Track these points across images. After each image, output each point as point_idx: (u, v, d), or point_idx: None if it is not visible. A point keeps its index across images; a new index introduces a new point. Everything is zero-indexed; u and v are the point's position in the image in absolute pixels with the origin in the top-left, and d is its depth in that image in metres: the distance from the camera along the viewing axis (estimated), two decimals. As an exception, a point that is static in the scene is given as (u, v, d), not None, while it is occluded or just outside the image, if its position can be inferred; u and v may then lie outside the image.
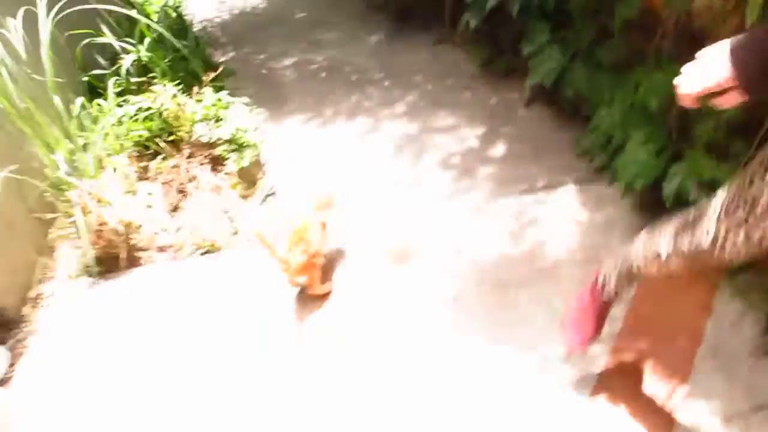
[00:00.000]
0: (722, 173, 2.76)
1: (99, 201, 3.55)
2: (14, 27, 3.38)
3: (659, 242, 2.03)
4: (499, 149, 4.02)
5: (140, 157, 4.38)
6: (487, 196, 3.65)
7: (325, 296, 3.19)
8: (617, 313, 2.84)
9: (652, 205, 3.14)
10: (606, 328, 2.71)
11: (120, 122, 4.28)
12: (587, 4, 3.50)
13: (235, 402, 2.79)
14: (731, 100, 1.52)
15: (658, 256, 2.04)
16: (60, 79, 3.63)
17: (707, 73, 1.50)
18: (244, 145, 4.29)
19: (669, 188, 2.86)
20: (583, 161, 3.73)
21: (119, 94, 4.46)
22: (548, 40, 3.94)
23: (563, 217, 3.40)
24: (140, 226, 3.77)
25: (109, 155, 4.05)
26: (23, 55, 3.39)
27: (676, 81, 1.61)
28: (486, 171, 3.84)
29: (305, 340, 3.01)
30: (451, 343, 2.86)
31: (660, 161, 2.94)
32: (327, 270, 3.28)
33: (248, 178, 4.22)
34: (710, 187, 2.80)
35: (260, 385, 2.83)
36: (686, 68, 1.58)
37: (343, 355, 2.89)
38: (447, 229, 3.46)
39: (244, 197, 4.09)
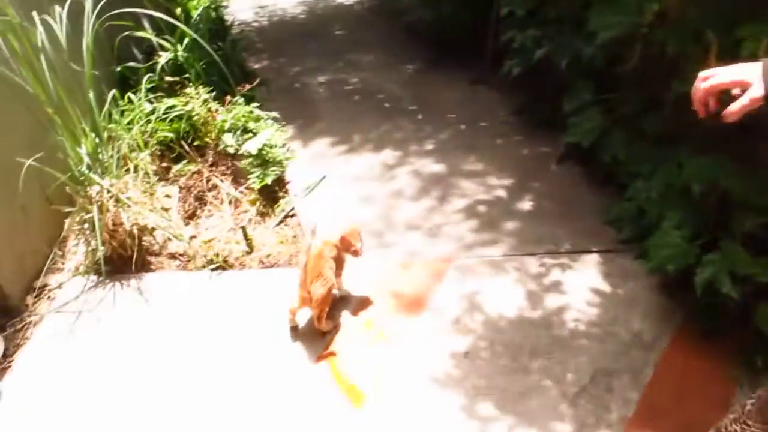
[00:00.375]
0: (759, 268, 2.68)
1: (117, 201, 3.47)
2: (59, 15, 3.32)
3: None
4: (525, 204, 3.95)
5: (162, 158, 4.33)
6: (509, 251, 3.57)
7: (326, 333, 3.12)
8: (631, 396, 2.76)
9: (679, 287, 3.07)
10: (615, 414, 2.64)
11: (148, 119, 4.22)
12: (638, 71, 3.42)
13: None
14: (744, 109, 1.56)
15: None
16: (96, 72, 3.57)
17: (739, 81, 1.58)
18: (270, 161, 4.24)
19: (701, 277, 2.77)
20: (610, 230, 3.65)
21: (150, 90, 4.41)
22: (591, 100, 3.87)
23: (585, 286, 3.32)
24: (154, 229, 3.70)
25: (132, 151, 3.98)
26: (63, 43, 3.33)
27: (701, 73, 1.68)
28: (510, 225, 3.77)
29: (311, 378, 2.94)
30: (455, 400, 2.78)
31: (693, 248, 2.86)
32: (332, 308, 3.20)
33: (269, 195, 4.15)
34: (745, 282, 2.72)
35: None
36: (718, 69, 1.64)
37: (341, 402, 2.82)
38: (464, 281, 3.38)
39: (263, 215, 4.02)
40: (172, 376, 2.98)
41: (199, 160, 4.27)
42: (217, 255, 3.62)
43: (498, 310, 3.20)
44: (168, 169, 4.30)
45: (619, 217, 3.59)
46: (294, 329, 3.15)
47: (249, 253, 3.70)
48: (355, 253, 3.16)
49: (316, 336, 3.11)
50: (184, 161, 4.27)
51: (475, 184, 4.17)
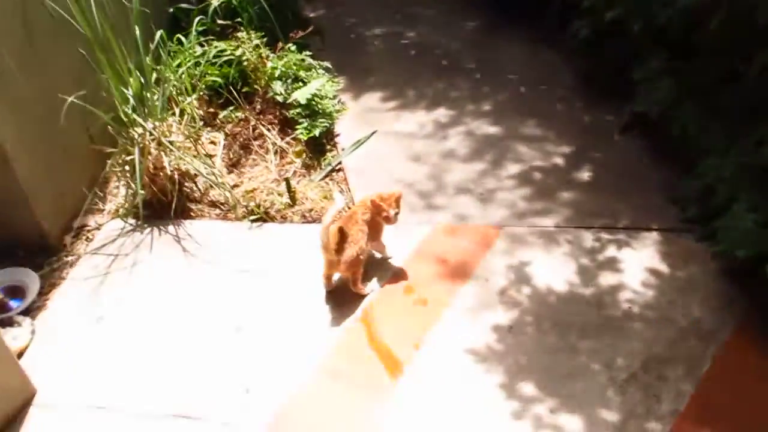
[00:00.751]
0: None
1: (159, 144, 3.37)
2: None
3: None
4: (584, 174, 3.73)
5: (210, 103, 4.20)
6: (563, 223, 3.38)
7: (364, 297, 3.00)
8: (685, 389, 2.58)
9: (746, 275, 2.85)
10: (666, 406, 2.47)
11: (197, 63, 4.09)
12: (719, 39, 3.14)
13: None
14: None
15: None
16: (146, 10, 3.44)
17: None
18: (319, 112, 4.08)
19: (775, 267, 2.55)
20: (673, 208, 3.42)
21: (202, 33, 4.27)
22: (663, 68, 3.60)
23: (642, 265, 3.12)
24: (196, 176, 3.60)
25: (179, 95, 3.86)
26: (112, -23, 3.21)
27: None
28: (566, 196, 3.57)
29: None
30: (495, 376, 2.65)
31: (766, 233, 2.63)
32: (371, 271, 3.09)
33: (316, 148, 4.01)
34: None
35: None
36: None
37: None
38: (513, 251, 3.21)
39: (308, 168, 3.88)
40: (203, 326, 2.91)
41: (247, 108, 4.14)
42: (259, 206, 3.50)
43: (547, 284, 3.03)
44: (215, 115, 4.18)
45: (684, 195, 3.35)
46: (331, 293, 3.01)
47: (291, 206, 3.57)
48: (387, 220, 3.01)
49: (354, 299, 2.99)
50: (231, 108, 4.14)
51: (531, 149, 3.96)
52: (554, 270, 3.10)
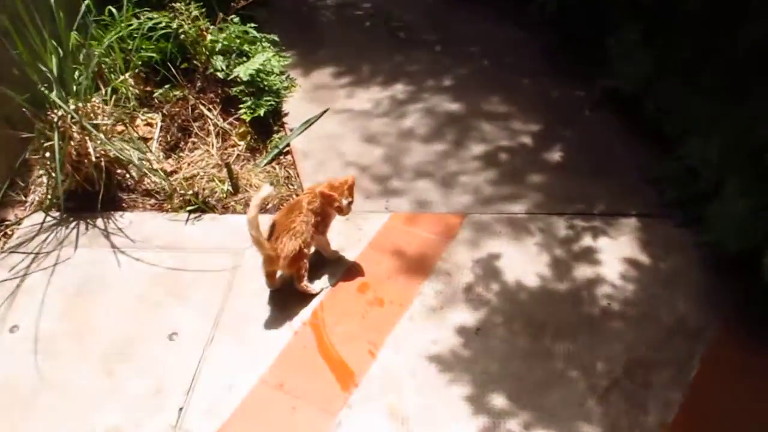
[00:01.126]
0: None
1: (83, 129, 2.98)
2: None
3: None
4: (554, 155, 3.44)
5: (147, 81, 3.78)
6: (534, 209, 3.10)
7: (312, 297, 2.67)
8: (673, 397, 2.30)
9: (735, 265, 2.59)
10: (653, 417, 2.19)
11: (131, 37, 3.67)
12: (701, 10, 2.85)
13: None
14: None
15: None
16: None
17: None
18: (265, 89, 3.71)
19: (771, 260, 2.28)
20: (651, 190, 3.14)
21: (137, 5, 3.83)
22: (638, 40, 3.30)
23: (620, 255, 2.85)
24: (129, 163, 3.21)
25: (111, 72, 3.47)
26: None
27: None
28: (536, 179, 3.27)
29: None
30: (461, 387, 2.35)
31: (762, 222, 2.35)
32: (320, 267, 2.77)
33: (262, 129, 3.65)
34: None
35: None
36: None
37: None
38: (479, 241, 2.91)
39: (253, 152, 3.53)
40: (132, 334, 2.56)
41: (186, 86, 3.74)
42: (197, 195, 3.14)
43: (518, 279, 2.74)
44: (152, 94, 3.77)
45: (664, 176, 3.08)
46: (276, 293, 2.67)
47: (233, 194, 3.23)
48: (339, 211, 2.66)
49: (302, 300, 2.66)
50: (168, 86, 3.74)
51: (496, 128, 3.65)
52: (525, 263, 2.81)
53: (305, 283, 2.63)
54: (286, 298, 2.65)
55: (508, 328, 2.54)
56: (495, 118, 3.72)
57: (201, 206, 3.14)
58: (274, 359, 2.44)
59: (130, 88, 3.58)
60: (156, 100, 3.75)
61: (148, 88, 3.80)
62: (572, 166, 3.36)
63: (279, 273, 2.64)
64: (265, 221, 2.59)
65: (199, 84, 3.81)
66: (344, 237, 2.92)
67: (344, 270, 2.79)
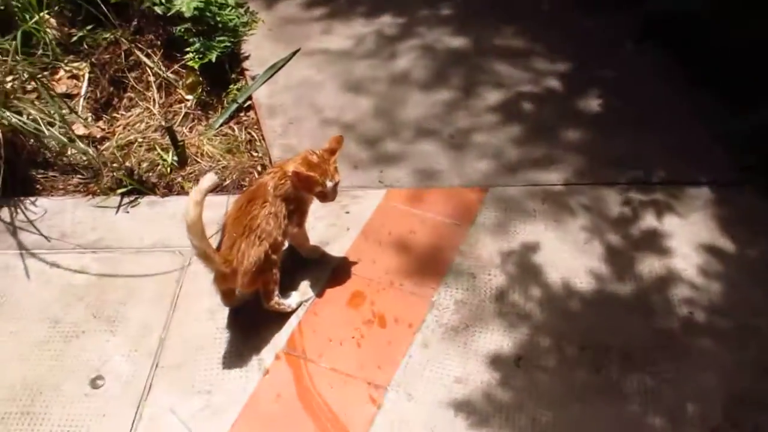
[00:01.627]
0: None
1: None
2: None
3: None
4: (592, 103, 2.76)
5: (71, 22, 3.09)
6: (574, 178, 2.40)
7: (287, 316, 1.95)
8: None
9: None
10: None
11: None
12: None
13: None
14: None
15: None
16: None
17: None
18: (218, 27, 3.02)
19: None
20: (723, 149, 2.44)
21: None
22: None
23: (697, 240, 2.17)
24: (43, 133, 2.45)
25: (22, 10, 2.79)
26: None
27: None
28: (572, 135, 2.61)
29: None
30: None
31: None
32: (294, 272, 2.05)
33: (217, 78, 2.95)
34: None
35: None
36: None
37: None
38: (508, 228, 2.21)
39: (205, 108, 2.89)
40: (45, 377, 1.87)
41: (119, 26, 2.97)
42: (131, 172, 2.41)
43: (565, 280, 2.07)
44: (81, 40, 3.02)
45: (738, 131, 2.37)
46: (237, 313, 1.95)
47: (180, 168, 2.49)
48: (322, 197, 1.91)
49: (275, 321, 1.95)
50: (90, 27, 3.00)
51: (514, 68, 2.95)
52: (572, 255, 2.14)
53: (276, 299, 1.90)
54: (251, 318, 1.95)
55: (560, 355, 1.86)
56: (511, 55, 3.04)
57: (137, 187, 2.41)
58: (237, 416, 1.73)
59: (49, 31, 2.91)
60: (85, 46, 3.04)
61: (73, 30, 3.08)
62: (616, 118, 2.70)
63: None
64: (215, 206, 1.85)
65: (135, 23, 3.02)
66: (326, 224, 2.23)
67: (329, 273, 2.09)
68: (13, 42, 2.55)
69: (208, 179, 1.76)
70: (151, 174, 2.51)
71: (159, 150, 2.60)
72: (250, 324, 1.93)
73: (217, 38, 2.95)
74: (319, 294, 2.01)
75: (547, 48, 3.04)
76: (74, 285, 2.12)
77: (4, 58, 2.51)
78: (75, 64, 2.99)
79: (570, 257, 2.11)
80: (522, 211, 2.27)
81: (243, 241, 1.78)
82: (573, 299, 1.99)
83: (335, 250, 2.14)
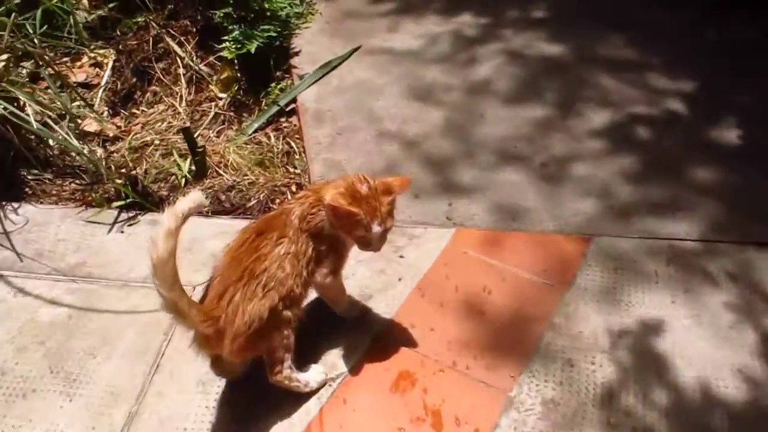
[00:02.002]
0: None
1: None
2: None
3: None
4: (729, 133, 2.19)
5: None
6: (711, 233, 1.83)
7: (305, 397, 1.44)
8: None
9: None
10: None
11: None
12: None
13: None
14: None
15: None
16: None
17: None
18: (266, 14, 2.62)
19: None
20: None
21: None
22: None
23: None
24: (30, 125, 2.10)
25: None
26: None
27: None
28: (703, 173, 2.03)
29: None
30: None
31: None
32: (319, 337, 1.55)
33: (258, 74, 2.52)
34: None
35: None
36: None
37: None
38: (620, 296, 1.67)
39: (238, 109, 2.44)
40: None
41: (154, 9, 2.73)
42: (134, 182, 2.02)
43: (700, 379, 1.49)
44: (113, 24, 2.72)
45: None
46: (237, 386, 1.45)
47: (198, 180, 2.08)
48: (363, 243, 1.39)
49: (290, 402, 1.42)
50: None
51: (626, 84, 2.46)
52: (712, 345, 1.56)
53: (288, 372, 1.36)
54: (256, 394, 1.44)
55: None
56: (621, 68, 2.54)
57: (139, 201, 2.01)
58: None
59: (79, 13, 2.62)
60: (118, 33, 2.75)
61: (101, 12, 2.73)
62: (763, 155, 2.09)
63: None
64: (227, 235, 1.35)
65: (170, 6, 2.76)
66: (371, 270, 1.72)
67: (369, 341, 1.56)
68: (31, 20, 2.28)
69: (191, 199, 1.24)
70: (161, 185, 2.10)
71: (176, 156, 2.15)
72: (253, 401, 1.41)
73: (262, 26, 2.52)
74: (354, 371, 1.46)
75: (666, 61, 2.53)
76: (37, 323, 1.70)
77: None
78: (101, 51, 2.67)
79: (710, 347, 1.53)
80: (639, 273, 1.72)
81: (238, 289, 1.25)
82: (715, 411, 1.39)
83: (380, 307, 1.63)
